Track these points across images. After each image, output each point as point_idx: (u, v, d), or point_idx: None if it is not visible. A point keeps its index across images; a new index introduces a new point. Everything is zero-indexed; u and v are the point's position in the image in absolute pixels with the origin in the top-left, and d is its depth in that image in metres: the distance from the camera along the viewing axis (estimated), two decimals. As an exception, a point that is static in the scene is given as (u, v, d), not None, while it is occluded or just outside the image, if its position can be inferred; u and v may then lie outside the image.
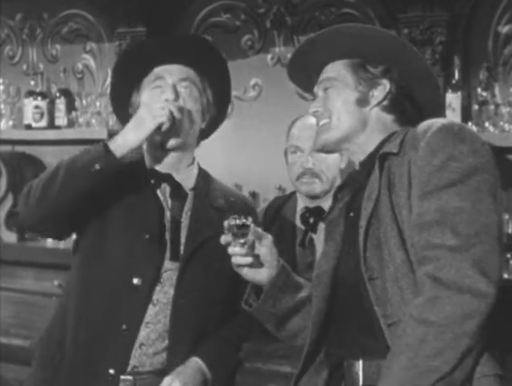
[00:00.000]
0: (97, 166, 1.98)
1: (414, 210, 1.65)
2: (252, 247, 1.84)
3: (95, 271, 2.10)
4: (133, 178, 2.14)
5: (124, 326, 2.05)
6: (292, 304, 1.92)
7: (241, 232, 1.80)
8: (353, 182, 1.87)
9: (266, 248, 1.87)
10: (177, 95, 2.14)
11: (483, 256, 1.55)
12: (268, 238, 1.88)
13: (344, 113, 1.83)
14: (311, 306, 1.89)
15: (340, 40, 1.83)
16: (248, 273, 1.88)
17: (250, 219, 1.83)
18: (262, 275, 1.88)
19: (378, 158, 1.76)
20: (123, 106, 2.25)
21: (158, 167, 2.18)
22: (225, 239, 1.83)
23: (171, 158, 2.17)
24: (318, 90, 1.90)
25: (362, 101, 1.83)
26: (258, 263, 1.86)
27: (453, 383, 1.55)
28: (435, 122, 1.71)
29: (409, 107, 1.86)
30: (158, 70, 2.17)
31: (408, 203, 1.67)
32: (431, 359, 1.53)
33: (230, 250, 1.83)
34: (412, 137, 1.72)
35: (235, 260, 1.84)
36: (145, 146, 2.21)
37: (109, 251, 2.09)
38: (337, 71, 1.86)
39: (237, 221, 1.80)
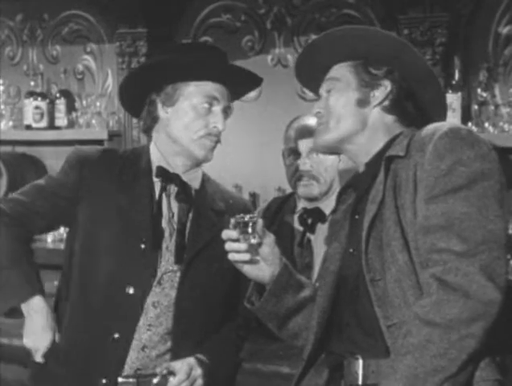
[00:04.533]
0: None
1: (419, 213, 1.65)
2: (259, 243, 1.83)
3: (90, 279, 2.10)
4: (130, 176, 2.14)
5: (116, 335, 2.06)
6: (294, 303, 1.91)
7: (249, 228, 1.80)
8: (358, 184, 1.87)
9: (268, 246, 1.86)
10: (224, 124, 2.13)
11: (491, 262, 1.56)
12: (270, 236, 1.87)
13: (344, 114, 1.83)
14: (313, 306, 1.89)
15: (343, 42, 1.84)
16: (249, 271, 1.86)
17: (256, 214, 1.83)
18: (263, 273, 1.87)
19: (384, 160, 1.76)
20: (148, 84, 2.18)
21: (166, 165, 2.16)
22: (227, 234, 1.81)
23: (182, 160, 2.16)
24: (322, 91, 1.91)
25: (363, 102, 1.83)
26: (258, 260, 1.85)
27: (458, 385, 1.55)
28: (441, 126, 1.71)
29: (411, 108, 1.85)
30: (212, 89, 2.12)
31: (413, 206, 1.67)
32: (437, 359, 1.53)
33: (227, 246, 1.81)
34: (419, 140, 1.72)
35: (231, 256, 1.83)
36: (157, 144, 2.18)
37: (103, 260, 2.09)
38: (341, 72, 1.86)
39: (245, 218, 1.80)
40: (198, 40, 4.00)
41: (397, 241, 1.67)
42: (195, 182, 2.19)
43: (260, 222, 1.81)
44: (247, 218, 1.80)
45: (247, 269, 1.86)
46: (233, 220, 1.81)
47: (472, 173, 1.61)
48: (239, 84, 2.19)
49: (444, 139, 1.65)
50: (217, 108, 2.13)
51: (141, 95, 2.17)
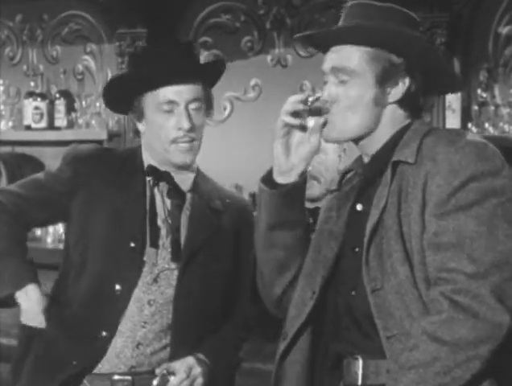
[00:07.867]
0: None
1: (429, 228, 1.63)
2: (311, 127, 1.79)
3: (80, 275, 2.11)
4: (125, 175, 2.15)
5: (103, 332, 2.06)
6: (292, 219, 1.88)
7: (315, 108, 1.77)
8: (363, 172, 1.82)
9: (313, 135, 1.79)
10: (190, 121, 2.09)
11: (501, 283, 1.56)
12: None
13: (360, 111, 1.76)
14: (303, 246, 1.89)
15: (363, 31, 1.73)
16: (279, 145, 1.78)
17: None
18: (285, 159, 1.79)
19: (392, 164, 1.72)
20: (119, 103, 2.21)
21: (157, 164, 2.16)
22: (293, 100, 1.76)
23: (167, 167, 2.15)
24: (330, 75, 1.79)
25: (379, 100, 1.76)
26: (295, 141, 1.80)
27: None
28: (457, 137, 1.68)
29: (422, 101, 1.80)
30: (167, 92, 2.09)
31: (421, 219, 1.64)
32: (440, 377, 1.54)
33: (288, 106, 1.76)
34: (430, 147, 1.69)
35: (288, 119, 1.76)
36: (145, 142, 2.19)
37: (94, 256, 2.10)
38: (357, 61, 1.75)
39: (310, 98, 1.77)
40: (197, 41, 4.01)
41: (398, 253, 1.66)
42: (186, 182, 2.19)
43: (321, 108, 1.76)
44: (312, 98, 1.76)
45: (278, 144, 1.79)
46: (308, 101, 1.76)
47: (483, 188, 1.60)
48: (200, 77, 2.14)
49: (460, 154, 1.63)
50: (179, 109, 2.09)
51: (122, 106, 2.20)
